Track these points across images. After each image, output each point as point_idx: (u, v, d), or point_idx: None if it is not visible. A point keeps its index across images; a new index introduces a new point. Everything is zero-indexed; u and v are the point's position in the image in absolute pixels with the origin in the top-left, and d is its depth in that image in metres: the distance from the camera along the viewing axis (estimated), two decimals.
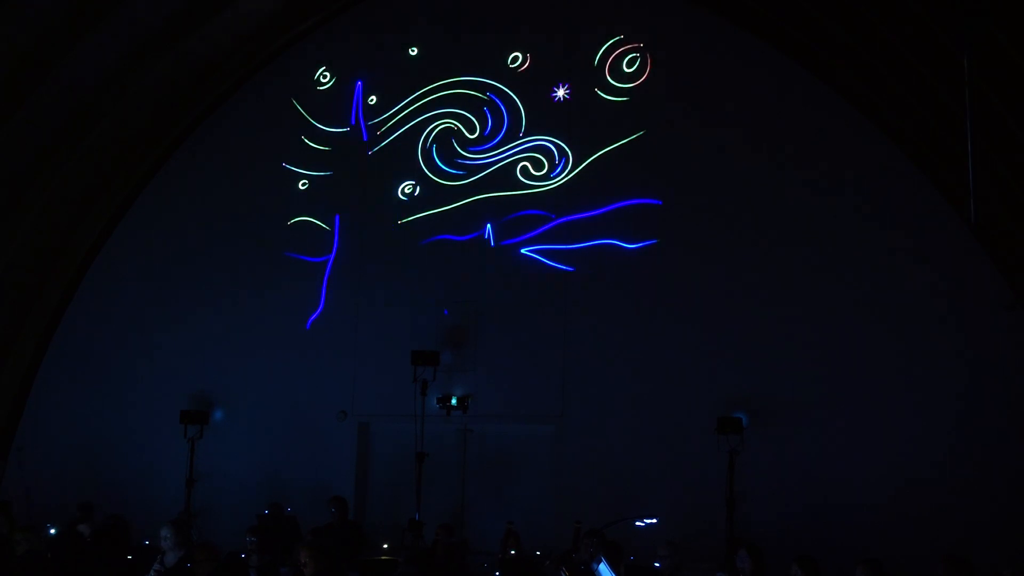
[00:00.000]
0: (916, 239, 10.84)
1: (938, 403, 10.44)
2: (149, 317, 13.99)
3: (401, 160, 13.16)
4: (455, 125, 13.01)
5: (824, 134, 11.35)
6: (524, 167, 12.55)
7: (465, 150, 12.90)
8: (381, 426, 12.88)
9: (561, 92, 12.46)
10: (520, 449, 12.29)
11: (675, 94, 12.02)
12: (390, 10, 13.58)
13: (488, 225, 12.54)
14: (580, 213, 12.14)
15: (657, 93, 12.08)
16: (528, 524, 10.95)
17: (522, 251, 12.35)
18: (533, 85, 12.63)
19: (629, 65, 12.26)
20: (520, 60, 12.78)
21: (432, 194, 12.92)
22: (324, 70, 13.83)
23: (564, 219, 12.22)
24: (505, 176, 12.61)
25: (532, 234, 12.34)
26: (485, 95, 12.88)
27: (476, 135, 12.87)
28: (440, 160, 12.98)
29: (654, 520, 9.09)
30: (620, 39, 12.33)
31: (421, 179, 13.05)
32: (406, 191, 13.10)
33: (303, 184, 13.61)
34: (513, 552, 9.71)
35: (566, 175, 12.33)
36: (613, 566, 7.02)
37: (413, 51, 13.36)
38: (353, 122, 13.51)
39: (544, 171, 12.46)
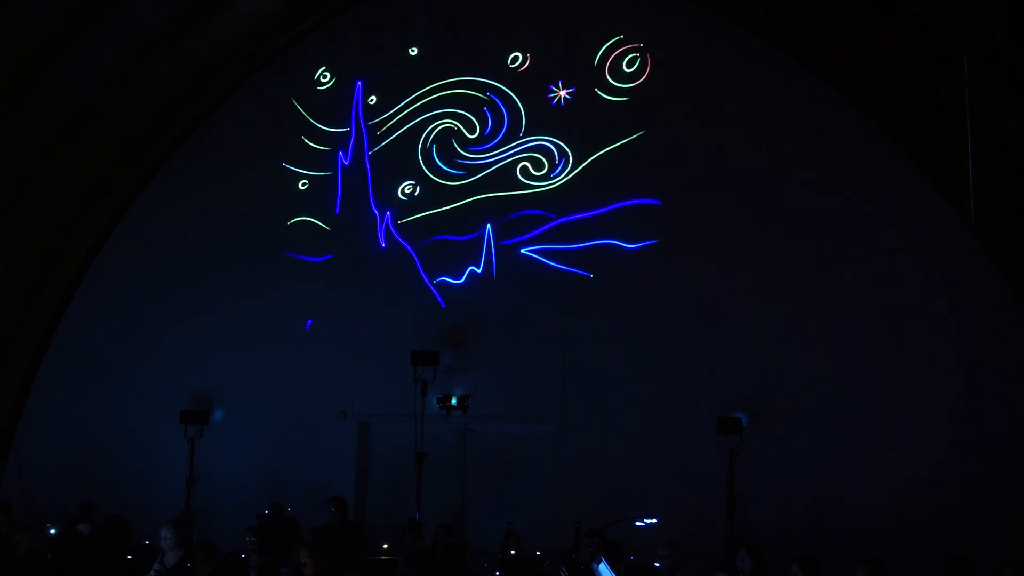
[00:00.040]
0: (916, 239, 10.84)
1: (938, 403, 10.44)
2: (149, 317, 13.99)
3: (401, 160, 13.16)
4: (455, 125, 13.01)
5: (824, 134, 11.35)
6: (524, 167, 12.55)
7: (465, 150, 12.90)
8: (381, 426, 12.88)
9: (562, 93, 12.45)
10: (520, 449, 12.30)
11: (675, 94, 12.02)
12: (390, 10, 13.58)
13: (488, 225, 12.54)
14: (580, 213, 12.14)
15: (657, 93, 12.08)
16: (528, 524, 10.95)
17: (522, 251, 12.36)
18: (533, 85, 12.63)
19: (629, 65, 12.26)
20: (520, 60, 12.78)
21: (432, 194, 12.92)
22: (324, 70, 13.84)
23: (564, 219, 12.22)
24: (505, 176, 12.62)
25: (532, 234, 12.34)
26: (485, 95, 12.88)
27: (476, 135, 12.87)
28: (440, 160, 12.99)
29: (654, 520, 9.09)
30: (620, 39, 12.33)
31: (421, 179, 13.05)
32: (406, 191, 13.11)
33: (303, 184, 13.61)
34: (513, 552, 9.71)
35: (566, 175, 12.34)
36: (613, 566, 7.02)
37: (413, 51, 13.37)
38: (353, 122, 13.51)
39: (544, 171, 12.46)
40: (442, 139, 13.04)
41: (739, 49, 11.76)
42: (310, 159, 13.64)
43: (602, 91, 12.30)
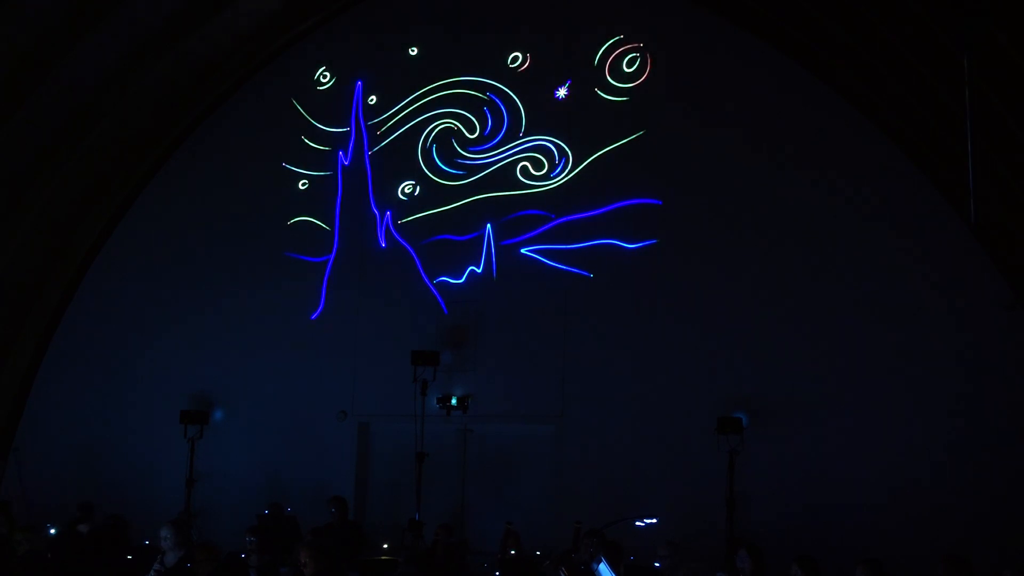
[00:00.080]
0: (916, 239, 10.84)
1: (938, 403, 10.44)
2: (149, 317, 13.99)
3: (401, 160, 13.16)
4: (455, 125, 13.01)
5: (824, 134, 11.35)
6: (524, 167, 12.56)
7: (465, 150, 12.90)
8: (381, 426, 12.88)
9: (562, 91, 12.46)
10: (520, 449, 12.30)
11: (675, 94, 12.02)
12: (390, 10, 13.58)
13: (488, 225, 12.54)
14: (580, 213, 12.14)
15: (657, 93, 12.09)
16: (528, 524, 10.95)
17: (522, 251, 12.36)
18: (533, 85, 12.63)
19: (629, 65, 12.26)
20: (520, 60, 12.78)
21: (432, 194, 12.92)
22: (324, 70, 13.83)
23: (564, 219, 12.22)
24: (505, 176, 12.62)
25: (532, 234, 12.34)
26: (485, 95, 12.88)
27: (476, 135, 12.87)
28: (440, 160, 12.99)
29: (654, 520, 9.08)
30: (620, 39, 12.34)
31: (421, 179, 13.05)
32: (406, 191, 13.11)
33: (303, 184, 13.61)
34: (513, 552, 9.71)
35: (566, 175, 12.34)
36: (613, 566, 7.02)
37: (413, 51, 13.37)
38: (353, 122, 13.52)
39: (544, 171, 12.46)
40: (442, 139, 13.04)
41: (739, 49, 11.76)
42: (310, 159, 13.64)
43: (602, 91, 12.30)
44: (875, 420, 10.60)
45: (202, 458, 12.74)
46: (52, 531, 10.83)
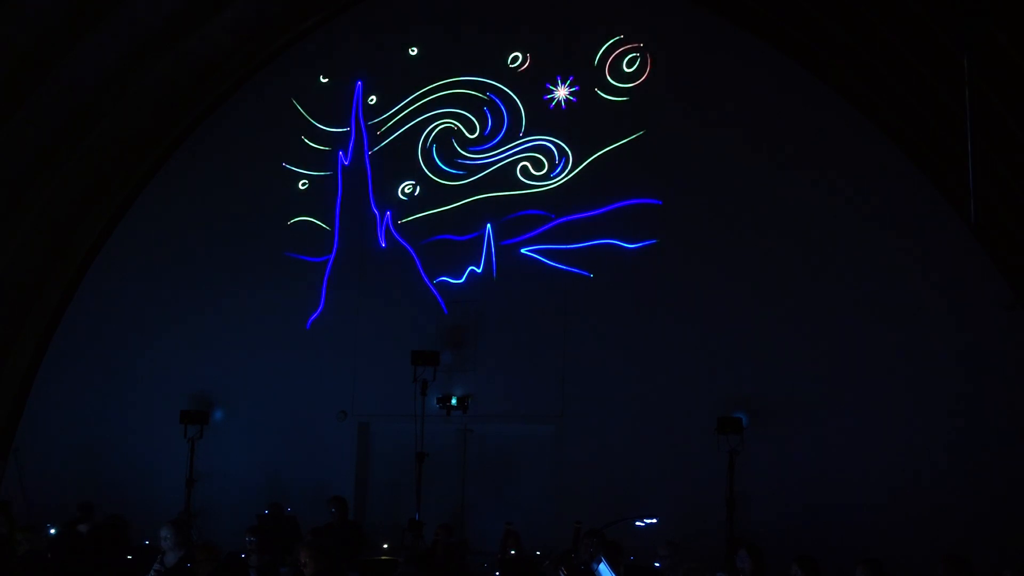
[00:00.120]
0: (916, 239, 10.85)
1: (938, 403, 10.44)
2: (149, 317, 13.98)
3: (401, 160, 13.16)
4: (455, 125, 13.01)
5: (824, 134, 11.35)
6: (524, 167, 12.56)
7: (465, 150, 12.90)
8: (381, 426, 12.88)
9: (563, 92, 12.45)
10: (520, 449, 12.30)
11: (675, 94, 12.02)
12: (390, 10, 13.58)
13: (488, 225, 12.54)
14: (580, 213, 12.15)
15: (657, 93, 12.09)
16: (528, 524, 10.95)
17: (522, 251, 12.36)
18: (533, 85, 12.64)
19: (629, 65, 12.27)
20: (520, 60, 12.78)
21: (432, 194, 12.92)
22: (324, 70, 13.82)
23: (564, 219, 12.22)
24: (505, 176, 12.61)
25: (532, 234, 12.34)
26: (485, 95, 12.88)
27: (476, 135, 12.88)
28: (440, 160, 12.99)
29: (654, 520, 9.09)
30: (620, 39, 12.34)
31: (421, 179, 13.05)
32: (406, 191, 13.11)
33: (303, 184, 13.61)
34: (513, 552, 9.71)
35: (566, 175, 12.34)
36: (613, 566, 7.02)
37: (413, 51, 13.37)
38: (353, 122, 13.52)
39: (544, 171, 12.47)
40: (442, 139, 13.04)
41: (739, 49, 11.76)
42: (310, 159, 13.64)
43: (602, 91, 12.30)
44: (875, 420, 10.61)
45: (202, 458, 12.74)
46: (52, 531, 10.82)
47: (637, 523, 9.18)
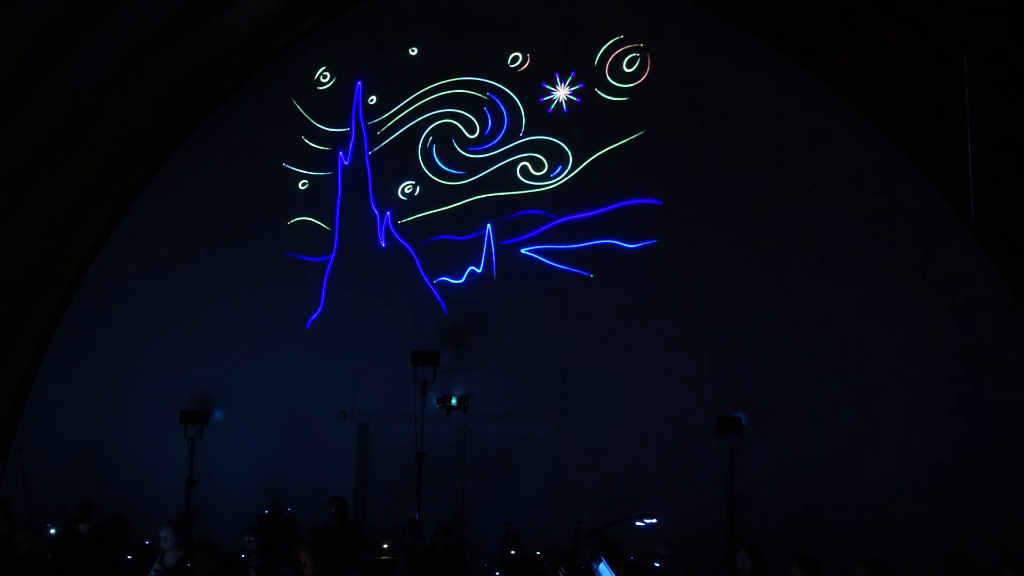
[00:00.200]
0: (916, 239, 10.85)
1: (938, 403, 10.44)
2: (149, 317, 13.98)
3: (401, 160, 13.16)
4: (455, 125, 13.01)
5: (824, 134, 11.35)
6: (524, 167, 12.56)
7: (465, 150, 12.90)
8: (381, 426, 12.88)
9: (563, 92, 12.45)
10: (520, 449, 12.30)
11: (675, 94, 12.02)
12: (390, 10, 13.58)
13: (488, 225, 12.54)
14: (580, 213, 12.15)
15: (657, 93, 12.09)
16: (528, 524, 10.95)
17: (522, 251, 12.36)
18: (533, 85, 12.63)
19: (629, 65, 12.27)
20: (520, 60, 12.78)
21: (432, 194, 12.92)
22: (324, 70, 13.83)
23: (564, 219, 12.22)
24: (505, 176, 12.61)
25: (532, 234, 12.34)
26: (485, 95, 12.88)
27: (476, 135, 12.87)
28: (440, 160, 12.99)
29: (654, 520, 9.09)
30: (620, 39, 12.34)
31: (421, 179, 13.05)
32: (406, 191, 13.11)
33: (303, 184, 13.61)
34: (513, 552, 9.71)
35: (566, 175, 12.34)
36: (613, 566, 7.02)
37: (413, 51, 13.36)
38: (353, 122, 13.51)
39: (544, 171, 12.47)
40: (442, 139, 13.04)
41: (739, 49, 11.76)
42: (310, 159, 13.64)
43: (602, 91, 12.30)
44: (875, 420, 10.61)
45: (202, 458, 12.74)
46: (52, 531, 10.82)
47: (637, 523, 9.18)
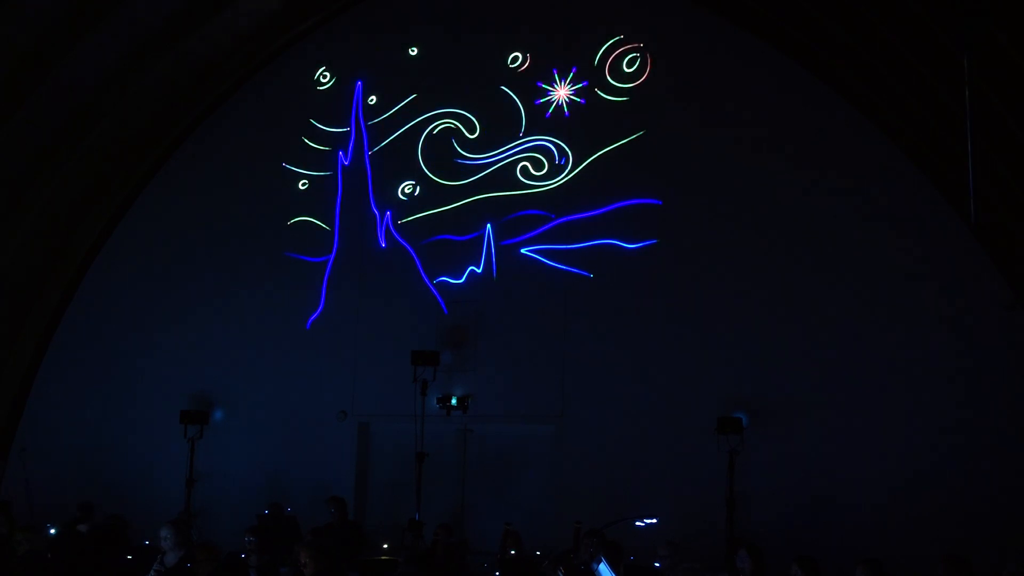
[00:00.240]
0: (916, 239, 10.85)
1: (938, 403, 10.44)
2: (149, 317, 13.99)
3: (401, 160, 13.16)
4: (455, 125, 13.01)
5: (824, 134, 11.35)
6: (524, 167, 12.56)
7: (465, 150, 12.90)
8: (381, 426, 12.88)
9: (563, 92, 12.45)
10: (520, 449, 12.30)
11: (675, 94, 12.02)
12: (390, 10, 13.58)
13: (488, 225, 12.54)
14: (580, 213, 12.14)
15: (657, 93, 12.09)
16: (528, 524, 10.94)
17: (522, 251, 12.36)
18: (533, 85, 12.63)
19: (629, 65, 12.27)
20: (520, 60, 12.78)
21: (432, 194, 12.92)
22: (324, 70, 13.83)
23: (564, 219, 12.22)
24: (505, 176, 12.61)
25: (532, 234, 12.34)
26: (485, 95, 12.87)
27: (476, 135, 12.87)
28: (440, 160, 12.98)
29: (654, 520, 9.08)
30: (620, 39, 12.34)
31: (421, 179, 13.05)
32: (406, 191, 13.11)
33: (303, 184, 13.61)
34: (513, 552, 9.71)
35: (566, 175, 12.33)
36: (613, 566, 7.02)
37: (413, 51, 13.36)
38: (353, 122, 13.52)
39: (544, 171, 12.46)
40: (442, 139, 13.04)
41: (739, 49, 11.76)
42: (310, 159, 13.64)
43: (602, 91, 12.30)
44: (875, 420, 10.61)
45: (202, 458, 12.75)
46: (52, 531, 10.82)
47: (637, 523, 9.18)
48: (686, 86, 12.00)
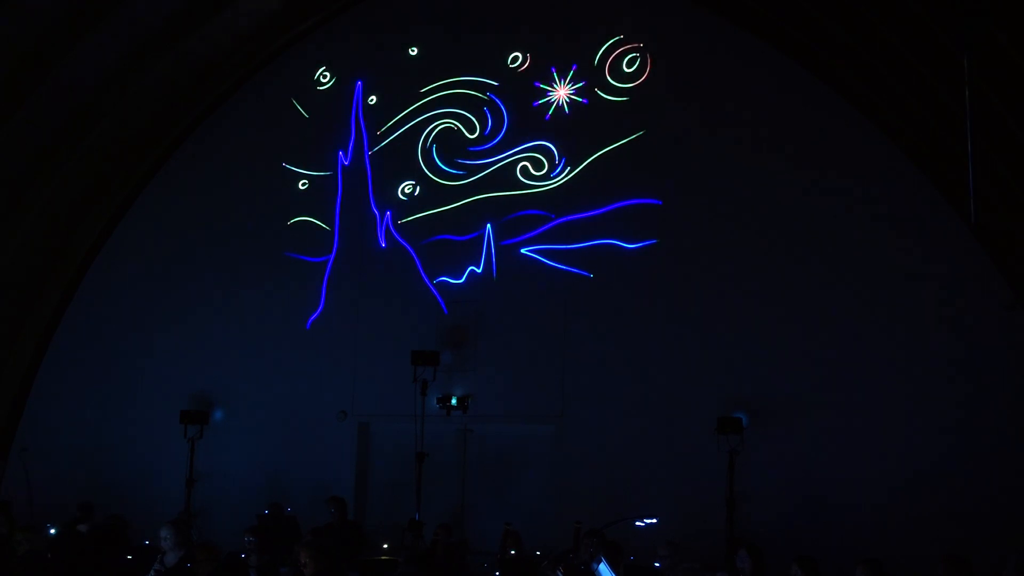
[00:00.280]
0: (916, 239, 10.84)
1: (938, 403, 10.44)
2: (149, 317, 13.99)
3: (401, 160, 13.16)
4: (455, 125, 13.01)
5: (824, 134, 11.35)
6: (524, 167, 12.56)
7: (465, 150, 12.90)
8: (381, 426, 12.88)
9: (564, 92, 12.45)
10: (520, 449, 12.30)
11: (675, 94, 12.02)
12: (390, 10, 13.58)
13: (488, 225, 12.54)
14: (580, 213, 12.14)
15: (657, 93, 12.09)
16: (528, 524, 10.94)
17: (522, 251, 12.36)
18: (533, 85, 12.62)
19: (629, 65, 12.27)
20: (520, 60, 12.78)
21: (432, 194, 12.92)
22: (324, 70, 13.83)
23: (564, 219, 12.22)
24: (505, 176, 12.61)
25: (532, 234, 12.34)
26: (485, 95, 12.88)
27: (476, 135, 12.87)
28: (440, 160, 12.99)
29: (654, 520, 9.06)
30: (620, 39, 12.34)
31: (421, 179, 13.05)
32: (406, 191, 13.11)
33: (303, 184, 13.61)
34: (513, 552, 9.71)
35: (566, 175, 12.33)
36: (613, 566, 7.02)
37: (413, 51, 13.36)
38: (353, 122, 13.51)
39: (544, 171, 12.46)
40: (442, 139, 13.04)
41: (739, 49, 11.76)
42: (310, 159, 13.64)
43: (602, 91, 12.30)
44: (875, 420, 10.61)
45: (202, 458, 12.75)
46: (52, 531, 10.82)
47: (637, 523, 9.17)
48: (686, 86, 12.00)
